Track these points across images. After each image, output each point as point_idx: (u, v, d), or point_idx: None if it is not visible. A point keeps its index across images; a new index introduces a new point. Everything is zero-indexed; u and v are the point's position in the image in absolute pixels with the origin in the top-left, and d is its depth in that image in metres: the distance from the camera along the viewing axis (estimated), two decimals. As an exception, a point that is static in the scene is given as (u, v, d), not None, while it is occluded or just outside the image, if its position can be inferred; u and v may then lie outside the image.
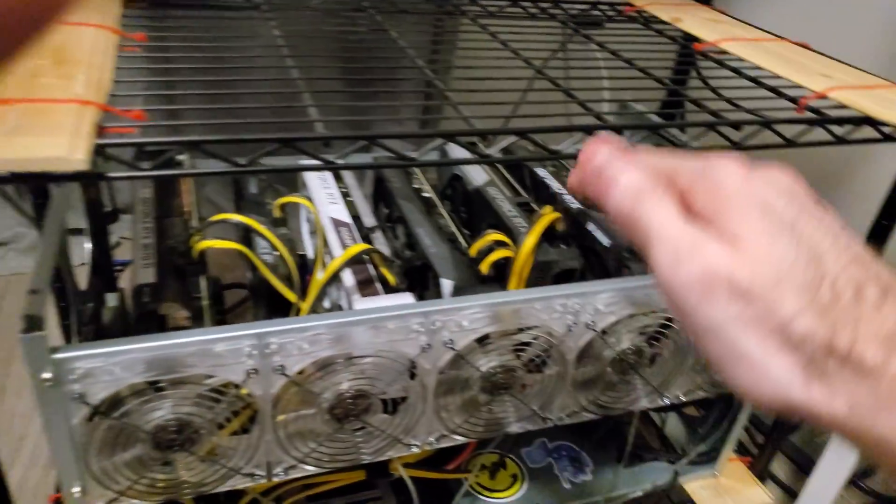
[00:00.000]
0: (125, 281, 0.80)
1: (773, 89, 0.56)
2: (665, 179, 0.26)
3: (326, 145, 0.39)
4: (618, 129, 0.46)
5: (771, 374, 0.23)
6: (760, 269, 0.23)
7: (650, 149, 0.28)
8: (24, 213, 1.25)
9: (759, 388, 0.23)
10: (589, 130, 0.44)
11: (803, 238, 0.23)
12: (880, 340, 0.22)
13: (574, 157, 0.45)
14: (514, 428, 0.62)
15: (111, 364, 0.43)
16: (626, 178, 0.26)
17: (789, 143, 0.48)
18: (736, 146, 0.48)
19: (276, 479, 0.54)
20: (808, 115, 0.51)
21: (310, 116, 0.41)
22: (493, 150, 0.45)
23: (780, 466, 1.03)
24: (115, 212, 1.12)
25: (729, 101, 0.52)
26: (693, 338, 0.25)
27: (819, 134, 0.50)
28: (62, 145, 0.32)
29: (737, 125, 0.48)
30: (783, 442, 0.99)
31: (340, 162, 0.40)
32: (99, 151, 0.34)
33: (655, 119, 0.68)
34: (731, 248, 0.23)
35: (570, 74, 0.57)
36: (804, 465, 1.01)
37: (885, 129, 0.52)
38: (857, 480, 1.00)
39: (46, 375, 0.41)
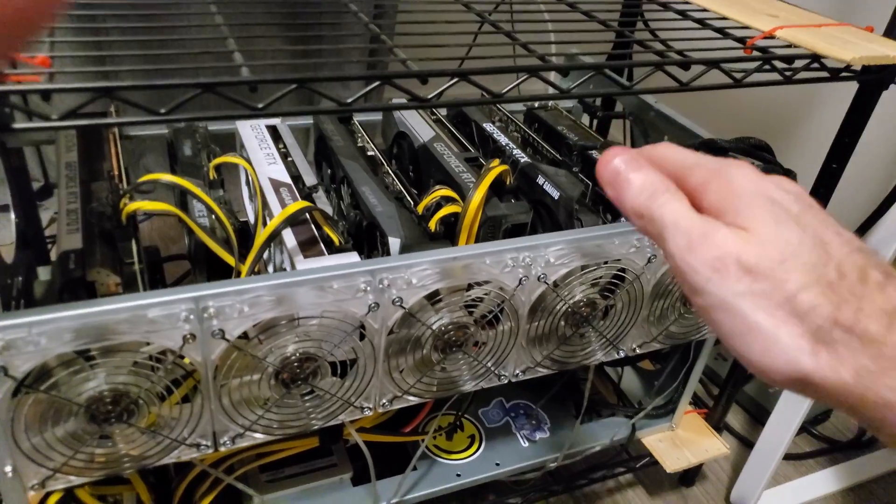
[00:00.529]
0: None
1: (719, 30, 0.55)
2: (675, 178, 0.28)
3: (253, 90, 0.36)
4: (563, 70, 0.44)
5: (781, 342, 0.24)
6: (766, 249, 0.25)
7: (668, 144, 0.30)
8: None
9: (770, 358, 0.24)
10: (532, 71, 0.43)
11: (808, 227, 0.25)
12: (884, 314, 0.23)
13: (517, 100, 0.44)
14: (469, 387, 0.61)
15: (35, 334, 0.40)
16: (638, 178, 0.28)
17: (738, 83, 0.47)
18: (684, 87, 0.47)
19: (223, 449, 0.52)
20: (757, 54, 0.50)
21: (235, 62, 0.38)
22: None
23: (734, 417, 1.05)
24: (48, 186, 1.07)
25: (664, 42, 0.51)
26: (706, 317, 0.26)
27: (769, 75, 0.49)
28: (-48, 90, 0.29)
29: (685, 64, 0.47)
30: (738, 393, 1.01)
31: (279, 111, 0.37)
32: (-2, 99, 0.31)
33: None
34: (740, 233, 0.25)
35: (516, 20, 0.55)
36: (758, 415, 1.03)
37: (834, 68, 0.52)
38: (808, 427, 1.03)
39: (-38, 349, 0.38)
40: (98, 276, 0.47)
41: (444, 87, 0.40)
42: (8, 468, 0.45)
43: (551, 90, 0.45)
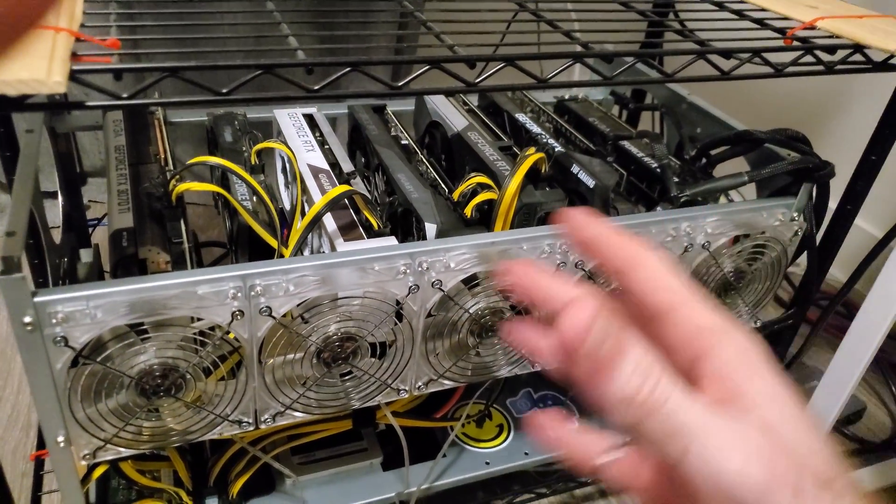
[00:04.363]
0: (98, 237, 0.78)
1: (758, 21, 0.56)
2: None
3: (309, 73, 0.37)
4: (608, 58, 0.45)
5: None
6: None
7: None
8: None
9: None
10: (578, 58, 0.43)
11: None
12: None
13: (562, 86, 0.45)
14: (504, 372, 0.62)
15: (92, 307, 0.42)
16: (630, 362, 0.23)
17: (779, 72, 0.48)
18: (725, 75, 0.47)
19: (263, 427, 0.53)
20: (797, 44, 0.51)
21: (290, 45, 0.40)
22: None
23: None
24: (82, 174, 1.09)
25: (686, 31, 0.51)
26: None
27: (810, 67, 0.49)
28: (40, 68, 0.30)
29: (726, 53, 0.48)
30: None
31: (334, 93, 0.38)
32: (75, 78, 0.32)
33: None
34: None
35: (547, 8, 0.55)
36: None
37: (877, 58, 0.52)
38: (840, 426, 1.02)
39: (27, 319, 0.40)
40: (149, 254, 0.49)
41: (492, 71, 0.41)
42: (61, 437, 0.46)
43: (592, 77, 0.46)
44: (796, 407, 0.24)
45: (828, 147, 0.72)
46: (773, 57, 0.49)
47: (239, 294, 0.46)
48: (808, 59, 0.50)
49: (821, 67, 0.49)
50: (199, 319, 0.46)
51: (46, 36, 0.34)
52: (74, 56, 0.34)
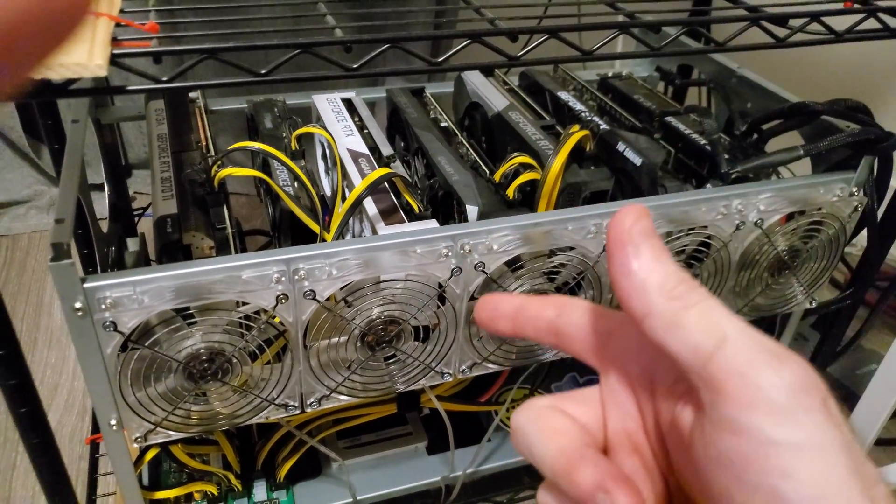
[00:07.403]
0: (143, 227, 0.79)
1: (815, -15, 0.53)
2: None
3: (348, 51, 0.37)
4: (654, 28, 0.43)
5: None
6: None
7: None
8: (41, 168, 1.24)
9: None
10: (622, 28, 0.42)
11: None
12: None
13: (607, 58, 0.43)
14: (549, 356, 0.61)
15: (139, 292, 0.42)
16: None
17: (839, 37, 0.45)
18: (780, 42, 0.45)
19: (309, 410, 0.53)
20: (858, 7, 0.48)
21: (328, 24, 0.39)
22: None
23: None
24: (127, 167, 1.11)
25: None
26: None
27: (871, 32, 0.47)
28: (81, 52, 0.31)
29: (781, 19, 0.45)
30: (823, 375, 0.97)
31: (372, 71, 0.38)
32: (116, 62, 0.32)
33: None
34: None
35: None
36: (845, 398, 1.00)
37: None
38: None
39: (78, 305, 0.41)
40: (193, 240, 0.49)
41: (534, 45, 0.40)
42: (113, 421, 0.47)
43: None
44: None
45: (891, 118, 0.69)
46: (833, 22, 0.46)
47: (283, 278, 0.46)
48: (871, 23, 0.47)
49: (885, 32, 0.47)
50: (244, 304, 0.46)
51: (87, 21, 0.34)
52: (115, 41, 0.34)
